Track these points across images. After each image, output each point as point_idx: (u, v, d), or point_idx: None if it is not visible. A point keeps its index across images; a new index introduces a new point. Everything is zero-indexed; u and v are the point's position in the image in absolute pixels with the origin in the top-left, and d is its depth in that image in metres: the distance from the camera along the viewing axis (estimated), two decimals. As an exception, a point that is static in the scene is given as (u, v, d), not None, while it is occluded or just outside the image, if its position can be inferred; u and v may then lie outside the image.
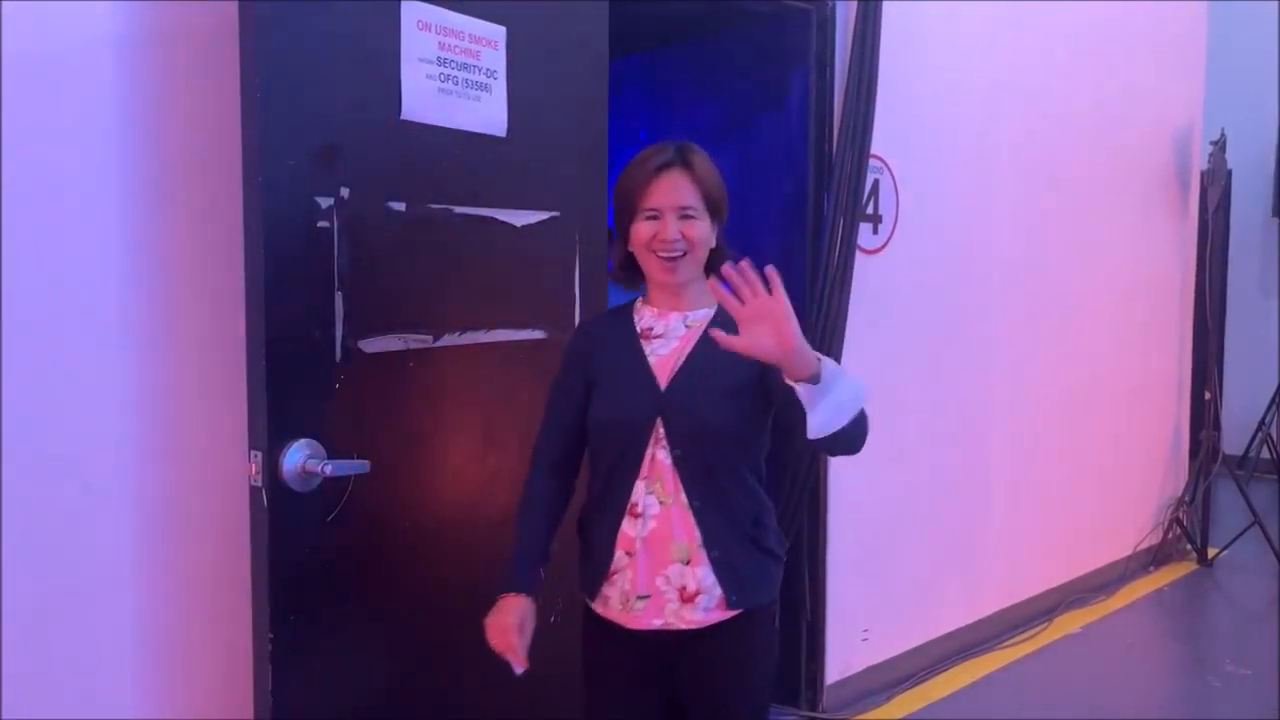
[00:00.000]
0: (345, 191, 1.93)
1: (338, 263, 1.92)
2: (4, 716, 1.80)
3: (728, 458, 1.78)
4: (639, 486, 1.76)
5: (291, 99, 1.84)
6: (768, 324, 1.54)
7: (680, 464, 1.75)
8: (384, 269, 2.01)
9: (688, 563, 1.75)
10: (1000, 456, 4.20)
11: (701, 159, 1.83)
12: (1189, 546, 5.34)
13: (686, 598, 1.75)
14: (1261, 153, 7.16)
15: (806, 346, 1.56)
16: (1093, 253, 4.68)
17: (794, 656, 3.45)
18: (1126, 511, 5.07)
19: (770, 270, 1.56)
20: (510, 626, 1.78)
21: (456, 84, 2.10)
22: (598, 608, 1.83)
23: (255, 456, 1.83)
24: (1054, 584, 4.53)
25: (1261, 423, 6.35)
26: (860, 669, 3.58)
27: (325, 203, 1.90)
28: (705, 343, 1.78)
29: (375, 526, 2.01)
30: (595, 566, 1.81)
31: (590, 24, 2.38)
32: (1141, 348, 5.14)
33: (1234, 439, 6.07)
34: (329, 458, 1.88)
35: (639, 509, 1.76)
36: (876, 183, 3.49)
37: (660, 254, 1.78)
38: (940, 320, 3.85)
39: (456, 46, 2.09)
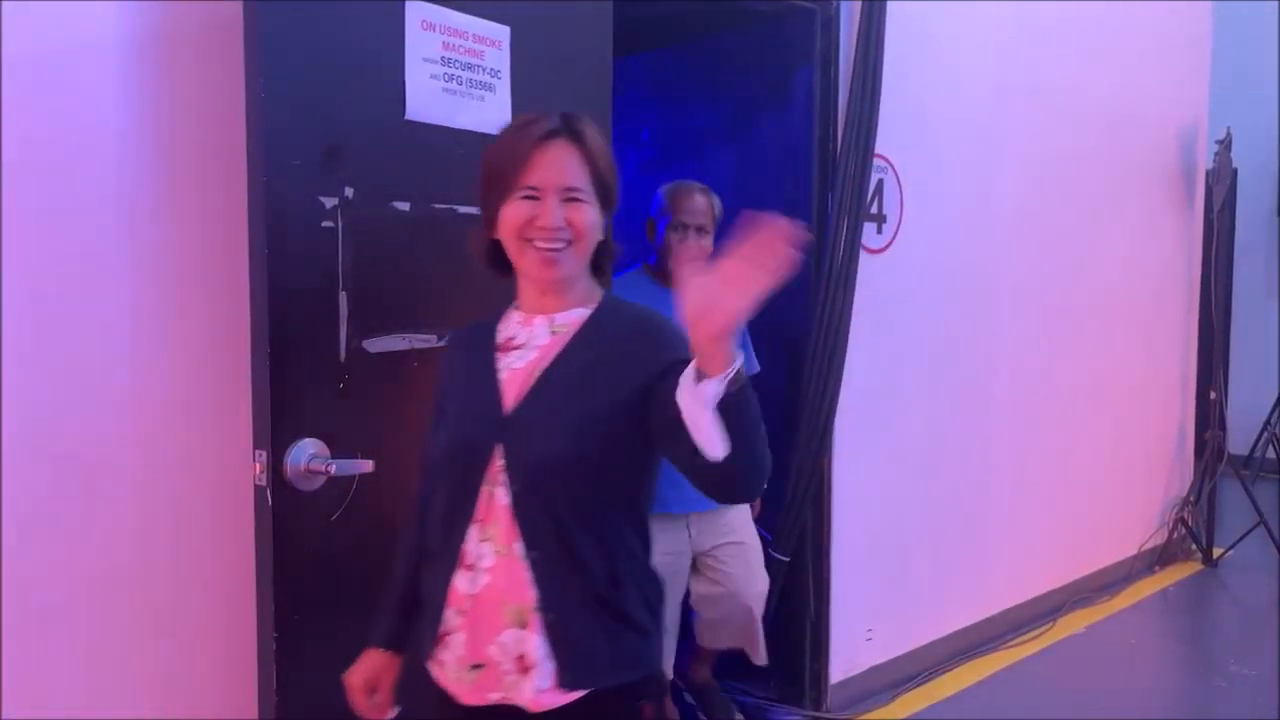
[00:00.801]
0: (349, 191, 1.93)
1: (342, 263, 1.92)
2: (5, 716, 1.81)
3: (578, 498, 1.40)
4: (472, 532, 1.43)
5: (295, 99, 1.85)
6: (741, 285, 1.13)
7: (518, 504, 1.40)
8: (388, 269, 2.01)
9: (524, 627, 1.40)
10: (1004, 456, 4.19)
11: (593, 131, 1.50)
12: (1194, 546, 5.33)
13: (524, 669, 1.40)
14: (1266, 152, 7.16)
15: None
16: (1098, 251, 4.67)
17: (798, 656, 3.45)
18: (1131, 511, 5.07)
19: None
20: (354, 686, 1.60)
21: (460, 84, 2.10)
22: (435, 671, 1.48)
23: (260, 456, 1.83)
24: (1058, 584, 4.53)
25: (1267, 423, 6.35)
26: (864, 668, 3.58)
27: (329, 203, 1.90)
28: (573, 351, 1.47)
29: (379, 526, 2.01)
30: (429, 626, 1.48)
31: (594, 24, 2.38)
32: (1146, 347, 5.13)
33: (1239, 439, 6.07)
34: (333, 457, 1.88)
35: (470, 559, 1.43)
36: (880, 182, 3.49)
37: (539, 244, 1.45)
38: (944, 319, 3.85)
39: (460, 46, 2.09)
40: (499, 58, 2.17)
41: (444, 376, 1.62)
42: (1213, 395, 5.30)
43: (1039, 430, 4.37)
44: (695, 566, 3.02)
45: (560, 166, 1.45)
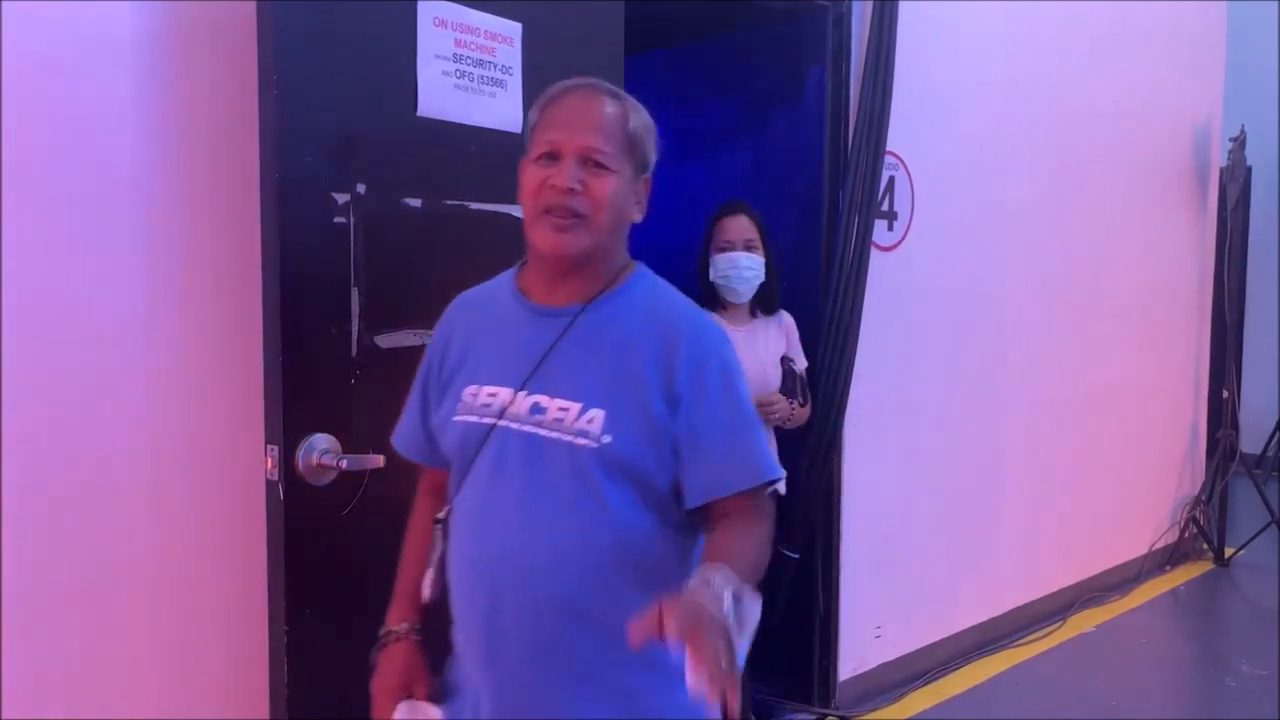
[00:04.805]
0: (361, 187, 1.93)
1: (354, 258, 1.93)
2: (17, 715, 1.82)
3: None
4: None
5: (308, 96, 1.85)
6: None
7: None
8: (400, 264, 2.02)
9: None
10: (1016, 453, 4.18)
11: None
12: (1205, 546, 5.31)
13: None
14: (1273, 150, 7.11)
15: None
16: (1110, 250, 4.66)
17: (807, 653, 3.45)
18: (1143, 510, 5.05)
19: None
20: None
21: (472, 80, 2.10)
22: None
23: (271, 451, 1.84)
24: (1069, 582, 4.51)
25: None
26: (874, 666, 3.58)
27: (342, 199, 1.91)
28: None
29: (390, 521, 2.01)
30: None
31: (606, 21, 2.38)
32: (1159, 345, 5.12)
33: (1252, 438, 6.04)
34: (345, 452, 1.89)
35: None
36: (892, 179, 3.48)
37: None
38: (955, 317, 3.84)
39: (472, 43, 2.10)
40: (510, 54, 2.17)
41: None
42: (1225, 394, 5.28)
43: (1050, 428, 4.36)
44: None
45: None
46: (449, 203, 2.08)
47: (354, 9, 1.91)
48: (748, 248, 2.87)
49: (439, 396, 1.51)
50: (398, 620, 1.59)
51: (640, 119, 1.46)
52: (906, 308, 3.60)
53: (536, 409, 1.39)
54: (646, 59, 3.78)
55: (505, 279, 1.54)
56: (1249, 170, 5.43)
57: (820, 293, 3.28)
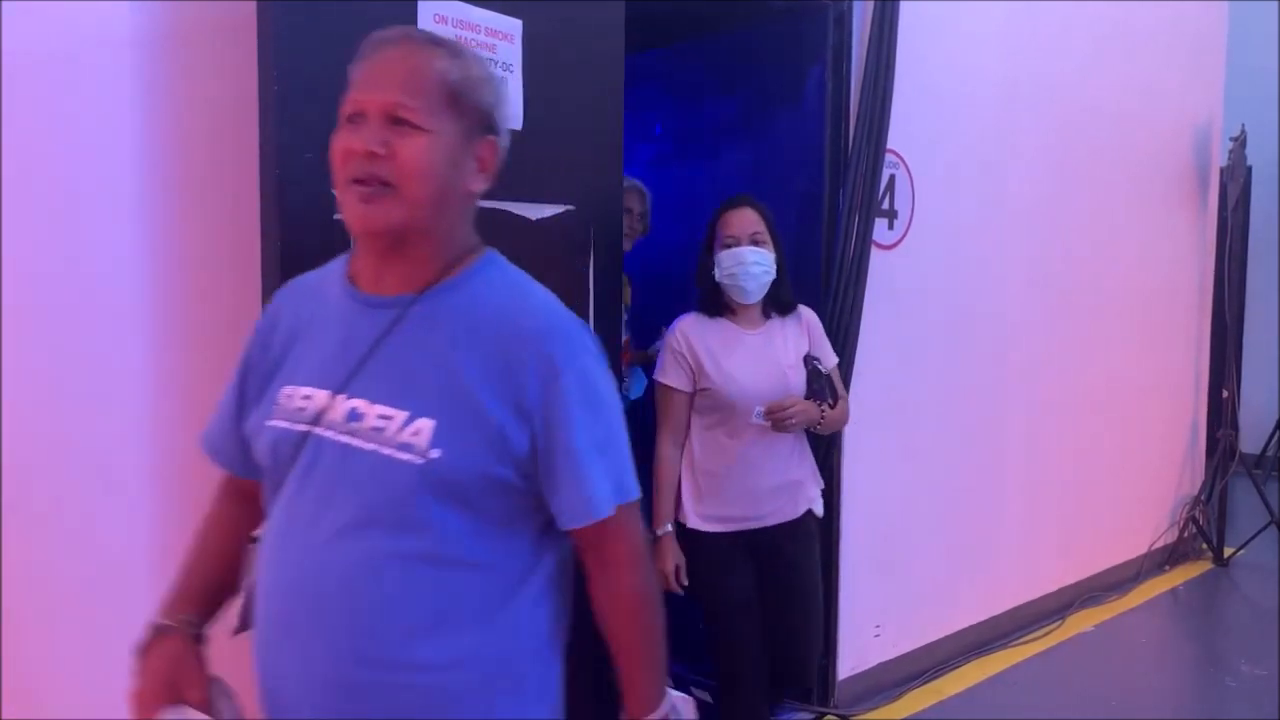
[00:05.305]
0: (362, 186, 1.93)
1: (354, 257, 1.93)
2: (17, 715, 1.81)
3: None
4: None
5: (308, 93, 1.85)
6: None
7: None
8: (400, 263, 2.02)
9: None
10: (1015, 453, 4.18)
11: None
12: (1205, 545, 5.31)
13: None
14: (1273, 150, 7.11)
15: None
16: (1110, 249, 4.65)
17: (806, 652, 3.44)
18: (1142, 510, 5.05)
19: None
20: None
21: (473, 79, 2.10)
22: None
23: (271, 449, 1.84)
24: (1068, 582, 4.51)
25: (1279, 422, 6.32)
26: (872, 665, 3.58)
27: (342, 197, 1.90)
28: None
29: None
30: None
31: (607, 19, 2.38)
32: (1159, 345, 5.12)
33: (1252, 438, 6.04)
34: (344, 451, 1.89)
35: None
36: (892, 178, 3.48)
37: None
38: (956, 316, 3.84)
39: (473, 40, 2.09)
40: (511, 51, 2.17)
41: None
42: (1225, 394, 5.28)
43: (1050, 428, 4.36)
44: None
45: None
46: (449, 201, 2.08)
47: (354, 7, 1.91)
48: (754, 242, 2.61)
49: (257, 396, 1.32)
50: (172, 614, 1.33)
51: (470, 70, 1.26)
52: (907, 306, 3.60)
53: (354, 415, 1.18)
54: (647, 58, 3.77)
55: (338, 264, 1.34)
56: (1249, 170, 5.43)
57: (820, 292, 3.27)
